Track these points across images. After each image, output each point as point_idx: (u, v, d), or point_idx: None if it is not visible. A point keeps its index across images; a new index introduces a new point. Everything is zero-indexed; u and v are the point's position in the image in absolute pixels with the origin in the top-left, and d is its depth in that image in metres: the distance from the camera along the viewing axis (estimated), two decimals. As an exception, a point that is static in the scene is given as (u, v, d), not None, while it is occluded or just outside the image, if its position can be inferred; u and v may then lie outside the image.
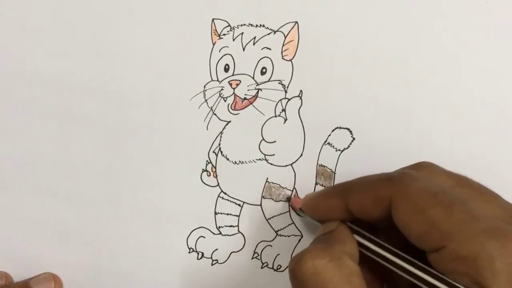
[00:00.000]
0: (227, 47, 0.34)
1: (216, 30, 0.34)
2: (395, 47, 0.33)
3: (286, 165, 0.34)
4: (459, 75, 0.33)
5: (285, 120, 0.34)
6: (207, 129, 0.34)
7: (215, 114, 0.34)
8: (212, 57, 0.34)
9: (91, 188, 0.35)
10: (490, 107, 0.33)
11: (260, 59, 0.34)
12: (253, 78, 0.34)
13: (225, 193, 0.34)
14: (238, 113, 0.34)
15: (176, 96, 0.34)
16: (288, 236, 0.34)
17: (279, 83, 0.34)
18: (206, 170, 0.34)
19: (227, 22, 0.34)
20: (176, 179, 0.35)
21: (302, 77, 0.34)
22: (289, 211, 0.34)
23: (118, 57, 0.35)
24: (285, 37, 0.34)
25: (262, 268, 0.34)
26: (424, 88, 0.33)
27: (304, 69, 0.34)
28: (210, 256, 0.35)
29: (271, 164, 0.34)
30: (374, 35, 0.33)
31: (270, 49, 0.34)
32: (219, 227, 0.34)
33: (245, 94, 0.34)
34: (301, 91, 0.34)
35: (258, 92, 0.34)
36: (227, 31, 0.34)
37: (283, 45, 0.34)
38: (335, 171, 0.34)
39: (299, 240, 0.34)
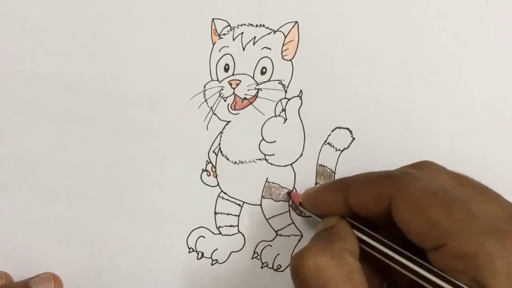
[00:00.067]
0: (227, 47, 0.34)
1: (216, 30, 0.34)
2: (395, 47, 0.33)
3: (286, 165, 0.34)
4: (459, 75, 0.33)
5: (285, 120, 0.34)
6: (207, 129, 0.34)
7: (215, 114, 0.34)
8: (212, 57, 0.34)
9: (91, 188, 0.35)
10: (490, 107, 0.33)
11: (260, 59, 0.34)
12: (253, 78, 0.34)
13: (225, 193, 0.34)
14: (238, 113, 0.34)
15: (176, 96, 0.34)
16: (288, 236, 0.34)
17: (279, 83, 0.34)
18: (206, 170, 0.34)
19: (227, 22, 0.34)
20: (176, 179, 0.35)
21: (302, 77, 0.34)
22: (289, 211, 0.34)
23: (118, 57, 0.35)
24: (285, 37, 0.34)
25: (262, 268, 0.34)
26: (424, 88, 0.33)
27: (304, 69, 0.34)
28: (210, 256, 0.35)
29: (271, 164, 0.34)
30: (374, 35, 0.33)
31: (270, 49, 0.34)
32: (219, 227, 0.34)
33: (245, 94, 0.34)
34: (301, 91, 0.34)
35: (258, 92, 0.34)
36: (227, 31, 0.34)
37: (283, 45, 0.34)
38: (335, 171, 0.34)
39: (299, 240, 0.34)
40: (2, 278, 0.35)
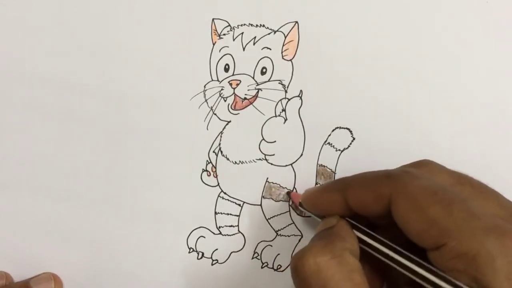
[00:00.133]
0: (227, 47, 0.34)
1: (216, 30, 0.34)
2: (395, 47, 0.33)
3: (286, 165, 0.34)
4: (459, 75, 0.33)
5: (285, 120, 0.34)
6: (207, 129, 0.34)
7: (215, 114, 0.34)
8: (212, 57, 0.34)
9: (91, 188, 0.35)
10: (490, 107, 0.33)
11: (260, 59, 0.34)
12: (253, 78, 0.34)
13: (225, 193, 0.34)
14: (238, 113, 0.34)
15: (176, 96, 0.34)
16: (288, 236, 0.34)
17: (279, 83, 0.34)
18: (206, 170, 0.34)
19: (227, 22, 0.34)
20: (176, 179, 0.35)
21: (302, 77, 0.34)
22: (289, 211, 0.34)
23: (118, 57, 0.35)
24: (285, 37, 0.34)
25: (262, 268, 0.34)
26: (424, 88, 0.33)
27: (304, 69, 0.34)
28: (210, 256, 0.35)
29: (271, 164, 0.34)
30: (374, 35, 0.33)
31: (270, 49, 0.34)
32: (219, 227, 0.34)
33: (245, 94, 0.34)
34: (301, 91, 0.34)
35: (258, 92, 0.34)
36: (227, 31, 0.34)
37: (283, 45, 0.34)
38: (335, 171, 0.34)
39: (299, 240, 0.34)
40: (2, 278, 0.35)
